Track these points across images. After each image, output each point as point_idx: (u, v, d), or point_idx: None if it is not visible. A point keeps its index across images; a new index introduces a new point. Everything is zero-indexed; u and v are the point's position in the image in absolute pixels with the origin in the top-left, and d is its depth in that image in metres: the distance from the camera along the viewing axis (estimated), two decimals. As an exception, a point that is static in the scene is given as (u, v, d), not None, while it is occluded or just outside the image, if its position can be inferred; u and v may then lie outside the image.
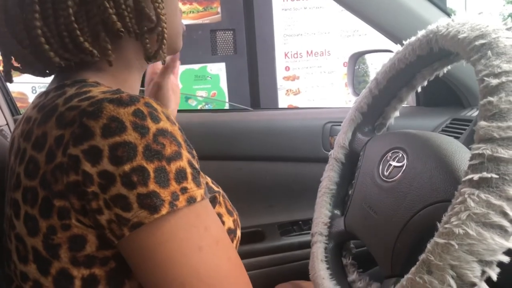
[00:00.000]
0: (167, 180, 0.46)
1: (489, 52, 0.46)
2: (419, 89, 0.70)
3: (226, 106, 3.24)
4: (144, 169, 0.45)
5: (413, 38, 0.63)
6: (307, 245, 0.76)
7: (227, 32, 3.21)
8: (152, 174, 0.45)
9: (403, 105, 0.74)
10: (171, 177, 0.46)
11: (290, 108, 3.18)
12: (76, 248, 0.49)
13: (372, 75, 0.73)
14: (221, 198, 0.63)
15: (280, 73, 3.36)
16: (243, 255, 1.17)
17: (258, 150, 1.26)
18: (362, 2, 1.05)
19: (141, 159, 0.45)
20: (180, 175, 0.47)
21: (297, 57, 3.36)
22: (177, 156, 0.47)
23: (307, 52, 3.36)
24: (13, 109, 1.36)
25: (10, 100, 1.35)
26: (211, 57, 3.20)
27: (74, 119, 0.47)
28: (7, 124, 1.26)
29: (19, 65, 0.58)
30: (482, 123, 0.43)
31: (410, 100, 1.30)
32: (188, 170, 0.48)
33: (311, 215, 0.77)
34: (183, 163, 0.47)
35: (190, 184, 0.47)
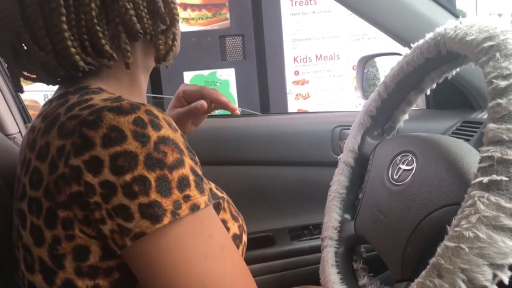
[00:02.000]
0: (169, 189, 0.45)
1: (498, 54, 0.46)
2: (428, 92, 0.70)
3: (236, 111, 3.25)
4: (145, 178, 0.44)
5: (421, 41, 0.63)
6: (318, 249, 0.76)
7: (236, 38, 3.22)
8: (153, 184, 0.44)
9: (412, 108, 0.74)
10: (173, 186, 0.45)
11: (299, 112, 3.17)
12: (80, 258, 0.49)
13: (382, 78, 0.73)
14: (225, 204, 0.62)
15: (289, 77, 3.36)
16: (253, 260, 1.17)
17: (267, 155, 1.26)
18: (369, 5, 1.05)
19: (142, 169, 0.44)
20: (183, 183, 0.46)
21: (306, 62, 3.36)
22: (179, 163, 0.46)
23: (316, 56, 3.36)
24: (26, 117, 1.37)
25: (22, 108, 1.36)
26: (221, 62, 3.22)
27: (75, 129, 0.47)
28: (20, 132, 1.28)
29: (30, 75, 0.58)
30: (491, 125, 0.43)
31: (419, 103, 1.29)
32: (191, 177, 0.47)
33: (321, 220, 0.77)
34: (186, 170, 0.47)
35: (193, 192, 0.47)
